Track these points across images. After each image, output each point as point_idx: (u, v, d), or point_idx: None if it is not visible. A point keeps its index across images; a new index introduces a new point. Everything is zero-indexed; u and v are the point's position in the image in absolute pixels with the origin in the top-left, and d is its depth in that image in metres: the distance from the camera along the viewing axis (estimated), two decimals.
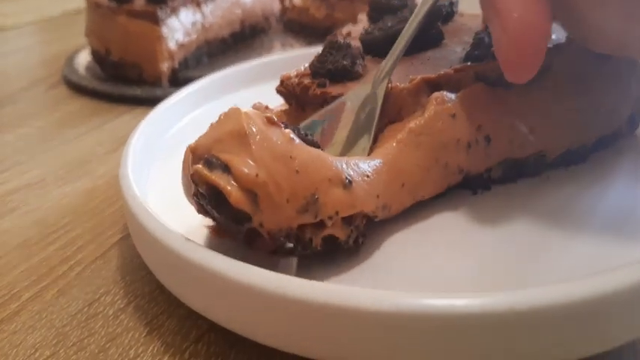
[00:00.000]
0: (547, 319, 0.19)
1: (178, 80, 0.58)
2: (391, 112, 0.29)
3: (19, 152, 0.46)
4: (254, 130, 0.23)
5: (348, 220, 0.25)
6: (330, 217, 0.24)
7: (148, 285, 0.28)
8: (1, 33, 0.87)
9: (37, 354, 0.24)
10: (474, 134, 0.29)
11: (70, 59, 0.67)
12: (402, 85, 0.29)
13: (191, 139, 0.24)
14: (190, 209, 0.30)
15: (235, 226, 0.23)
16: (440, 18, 0.35)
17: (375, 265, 0.25)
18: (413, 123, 0.27)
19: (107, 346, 0.24)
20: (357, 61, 0.32)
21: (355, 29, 0.38)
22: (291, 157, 0.23)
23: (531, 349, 0.19)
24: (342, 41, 0.33)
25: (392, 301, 0.19)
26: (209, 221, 0.29)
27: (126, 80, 0.58)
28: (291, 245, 0.24)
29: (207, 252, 0.22)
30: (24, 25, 0.90)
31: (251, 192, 0.22)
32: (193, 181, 0.23)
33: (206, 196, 0.22)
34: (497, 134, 0.29)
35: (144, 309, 0.26)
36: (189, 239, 0.23)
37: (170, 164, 0.36)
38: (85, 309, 0.27)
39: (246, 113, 0.23)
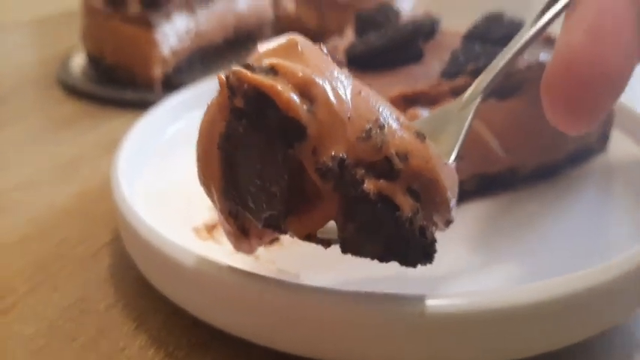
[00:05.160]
0: (520, 316, 0.21)
1: (172, 85, 0.59)
2: None
3: (11, 152, 0.47)
4: (309, 43, 0.19)
5: (415, 195, 0.19)
6: (399, 156, 0.18)
7: (137, 283, 0.29)
8: None
9: (32, 343, 0.26)
10: None
11: (65, 61, 0.68)
12: None
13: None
14: (180, 212, 0.32)
15: (277, 156, 0.18)
16: (421, 35, 0.37)
17: (356, 266, 0.27)
18: None
19: (97, 338, 0.26)
20: None
21: (342, 43, 0.40)
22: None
23: (505, 344, 0.21)
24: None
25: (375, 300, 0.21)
26: (201, 222, 0.30)
27: (120, 84, 0.60)
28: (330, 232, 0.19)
29: (193, 254, 0.24)
30: (19, 24, 0.90)
31: (305, 95, 0.18)
32: (229, 88, 0.18)
33: (244, 110, 0.18)
34: (468, 150, 0.31)
35: (132, 305, 0.28)
36: (176, 242, 0.25)
37: (161, 168, 0.37)
38: (77, 304, 0.28)
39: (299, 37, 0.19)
